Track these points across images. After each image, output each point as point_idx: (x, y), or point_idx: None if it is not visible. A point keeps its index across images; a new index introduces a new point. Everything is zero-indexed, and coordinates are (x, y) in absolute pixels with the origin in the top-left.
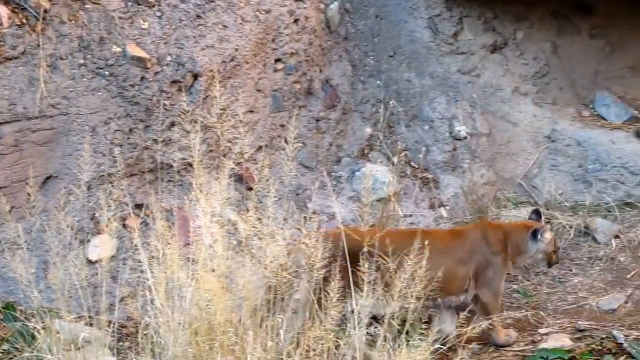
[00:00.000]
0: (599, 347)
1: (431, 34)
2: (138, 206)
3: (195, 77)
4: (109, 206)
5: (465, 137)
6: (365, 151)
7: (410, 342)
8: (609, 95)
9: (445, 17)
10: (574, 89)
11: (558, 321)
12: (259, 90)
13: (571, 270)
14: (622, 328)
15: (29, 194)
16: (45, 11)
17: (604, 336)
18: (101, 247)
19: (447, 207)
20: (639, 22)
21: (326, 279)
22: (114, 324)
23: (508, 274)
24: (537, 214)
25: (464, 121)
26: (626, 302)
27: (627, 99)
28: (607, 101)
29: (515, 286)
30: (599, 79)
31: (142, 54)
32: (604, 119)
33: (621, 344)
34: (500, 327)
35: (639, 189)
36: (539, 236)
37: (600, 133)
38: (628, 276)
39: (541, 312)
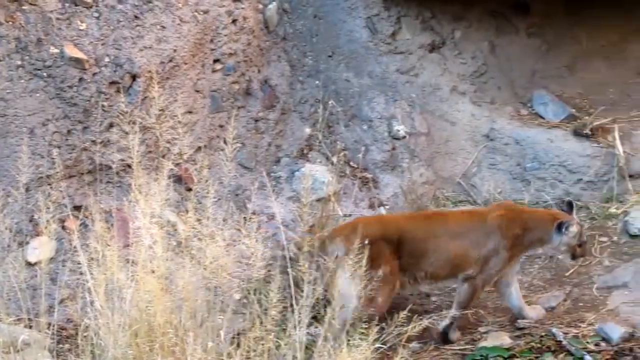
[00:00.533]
0: (539, 345)
1: (369, 33)
2: (77, 208)
3: (134, 78)
4: (48, 208)
5: (404, 137)
6: (305, 151)
7: (350, 342)
8: (546, 93)
9: (383, 16)
10: (512, 88)
11: (498, 319)
12: (197, 91)
13: None
14: (561, 326)
15: None
16: None
17: (543, 334)
18: (40, 249)
19: (387, 207)
20: (575, 21)
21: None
22: (54, 326)
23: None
24: (569, 205)
25: (403, 121)
26: (565, 300)
27: (564, 98)
28: (544, 100)
29: (454, 285)
30: (536, 77)
31: (80, 55)
32: (541, 117)
33: (560, 341)
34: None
35: (577, 187)
36: (563, 229)
37: (539, 132)
38: (567, 274)
39: (481, 311)
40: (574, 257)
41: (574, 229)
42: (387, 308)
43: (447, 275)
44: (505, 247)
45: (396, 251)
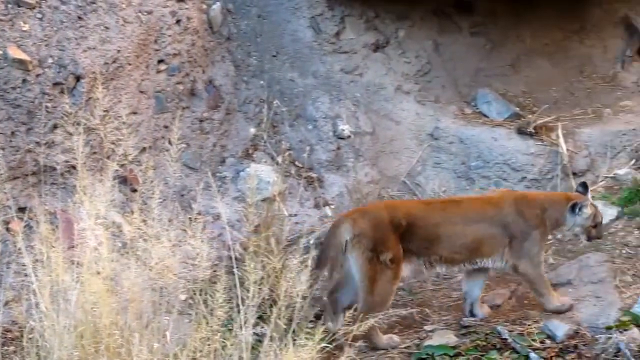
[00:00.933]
0: (484, 343)
1: (314, 33)
2: (21, 209)
3: (78, 79)
4: None
5: (349, 136)
6: (250, 151)
7: (296, 342)
8: (490, 92)
9: (327, 16)
10: (455, 86)
11: (443, 318)
12: (142, 92)
13: None
14: (506, 323)
15: None
16: None
17: (488, 332)
18: None
19: (332, 206)
20: (518, 20)
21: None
22: None
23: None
24: (584, 186)
25: (348, 120)
26: (510, 298)
27: (508, 96)
28: (488, 98)
29: (400, 283)
30: (480, 76)
31: (23, 56)
32: (485, 116)
33: (505, 339)
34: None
35: (521, 185)
36: (577, 210)
37: (483, 130)
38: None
39: (426, 309)
40: (589, 238)
41: (587, 210)
42: (388, 297)
43: (463, 259)
44: (533, 228)
45: (402, 237)
